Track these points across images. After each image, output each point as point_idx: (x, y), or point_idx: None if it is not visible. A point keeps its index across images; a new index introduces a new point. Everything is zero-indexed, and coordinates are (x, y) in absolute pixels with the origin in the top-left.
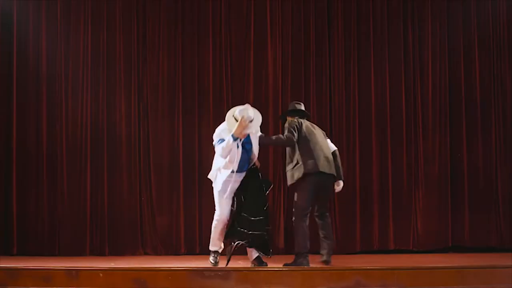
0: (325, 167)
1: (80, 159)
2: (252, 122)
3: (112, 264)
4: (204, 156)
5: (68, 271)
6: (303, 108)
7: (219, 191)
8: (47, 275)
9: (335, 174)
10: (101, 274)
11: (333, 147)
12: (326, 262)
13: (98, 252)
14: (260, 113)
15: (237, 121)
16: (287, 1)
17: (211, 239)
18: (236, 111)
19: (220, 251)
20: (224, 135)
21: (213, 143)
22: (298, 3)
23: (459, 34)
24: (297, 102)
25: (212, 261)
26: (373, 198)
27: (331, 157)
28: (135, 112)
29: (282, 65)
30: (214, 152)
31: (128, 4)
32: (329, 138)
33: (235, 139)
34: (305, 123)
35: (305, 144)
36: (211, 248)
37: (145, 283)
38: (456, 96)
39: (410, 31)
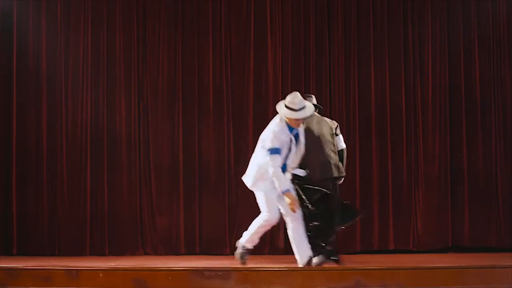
0: (323, 173)
1: (80, 159)
2: (308, 108)
3: (112, 264)
4: (204, 156)
5: (68, 271)
6: (313, 101)
7: (269, 189)
8: (47, 275)
9: (337, 175)
10: (101, 274)
11: (341, 145)
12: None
13: (98, 252)
14: (260, 113)
15: (289, 108)
16: (287, 1)
17: (250, 234)
18: (286, 100)
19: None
20: (277, 142)
21: (261, 146)
22: (298, 2)
23: (459, 34)
24: (308, 95)
25: (241, 258)
26: (373, 198)
27: (332, 158)
28: (135, 112)
29: (282, 65)
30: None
31: (128, 4)
32: (340, 134)
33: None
34: (309, 122)
35: (306, 149)
36: (247, 244)
37: (145, 283)
38: (456, 96)
39: (410, 30)
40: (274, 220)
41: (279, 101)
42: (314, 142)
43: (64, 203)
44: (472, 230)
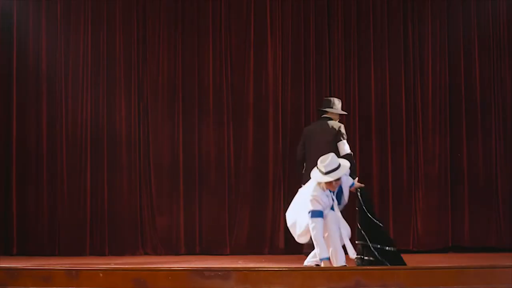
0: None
1: (80, 159)
2: (339, 169)
3: (112, 264)
4: (204, 156)
5: (68, 271)
6: (330, 102)
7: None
8: (47, 275)
9: None
10: (101, 274)
11: (342, 152)
12: None
13: (98, 252)
14: (260, 113)
15: (320, 172)
16: (287, 1)
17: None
18: (318, 162)
19: None
20: (318, 205)
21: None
22: (298, 2)
23: (459, 34)
24: (326, 98)
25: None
26: (378, 199)
27: None
28: (135, 112)
29: (282, 65)
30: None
31: (128, 4)
32: (344, 139)
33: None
34: (312, 127)
35: (306, 153)
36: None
37: (145, 283)
38: (456, 96)
39: (410, 30)
40: (348, 230)
41: (279, 101)
42: (312, 146)
43: (64, 203)
44: (472, 230)
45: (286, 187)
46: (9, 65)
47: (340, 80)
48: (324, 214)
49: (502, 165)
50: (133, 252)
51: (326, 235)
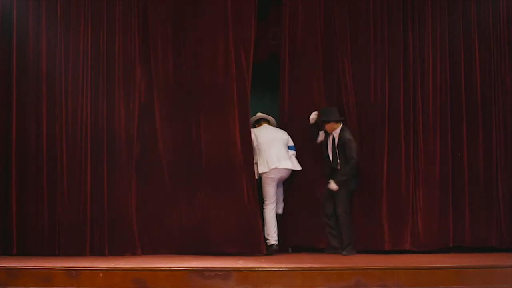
0: None
1: (80, 159)
2: None
3: (112, 264)
4: (204, 156)
5: (68, 271)
6: None
7: None
8: (47, 275)
9: None
10: (101, 274)
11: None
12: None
13: (98, 252)
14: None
15: None
16: None
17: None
18: None
19: None
20: None
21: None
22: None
23: (459, 34)
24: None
25: None
26: (374, 198)
27: None
28: (135, 112)
29: None
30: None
31: (128, 4)
32: None
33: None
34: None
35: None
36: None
37: (145, 283)
38: (456, 95)
39: (410, 30)
40: None
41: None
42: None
43: (64, 203)
44: (473, 230)
45: (286, 187)
46: (9, 65)
47: (340, 80)
48: None
49: (503, 165)
50: (133, 252)
51: None
